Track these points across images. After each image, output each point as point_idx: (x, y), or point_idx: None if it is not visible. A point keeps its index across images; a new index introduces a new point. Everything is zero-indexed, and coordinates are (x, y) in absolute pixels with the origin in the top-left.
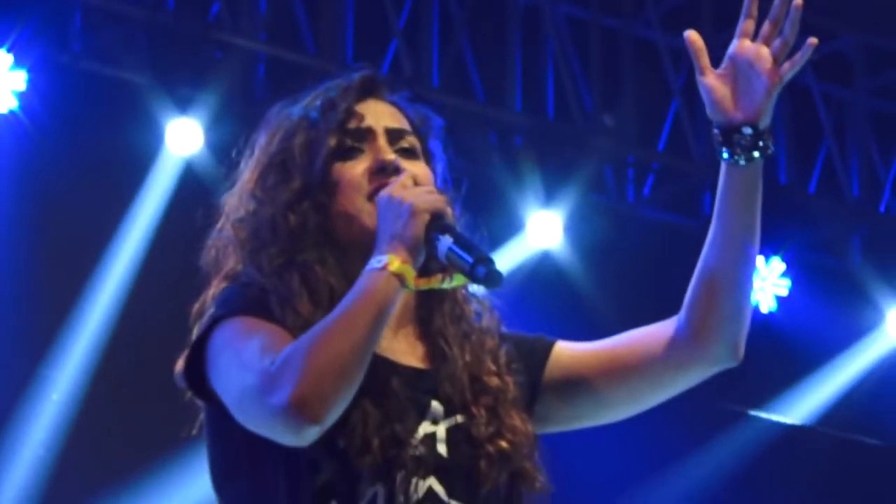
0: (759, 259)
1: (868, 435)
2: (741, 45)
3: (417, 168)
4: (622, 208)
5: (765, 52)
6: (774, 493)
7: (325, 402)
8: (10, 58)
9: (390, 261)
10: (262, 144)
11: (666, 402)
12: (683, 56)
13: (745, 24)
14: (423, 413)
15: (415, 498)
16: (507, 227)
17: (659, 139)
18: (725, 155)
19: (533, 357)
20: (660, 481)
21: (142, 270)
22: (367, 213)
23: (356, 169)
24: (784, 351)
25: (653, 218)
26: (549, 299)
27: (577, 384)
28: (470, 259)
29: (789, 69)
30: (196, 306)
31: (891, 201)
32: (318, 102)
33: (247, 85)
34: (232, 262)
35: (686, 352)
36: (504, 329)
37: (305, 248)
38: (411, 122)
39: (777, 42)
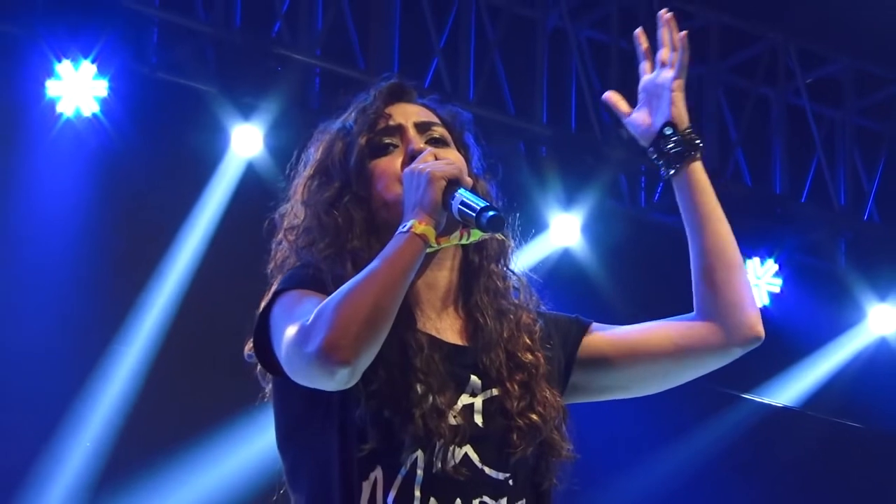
0: (755, 261)
1: (850, 419)
2: (646, 77)
3: (450, 154)
4: (634, 212)
5: (665, 71)
6: (765, 469)
7: (353, 346)
8: (94, 68)
9: (414, 225)
10: (307, 160)
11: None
12: (692, 76)
13: (644, 64)
14: (462, 386)
15: (451, 464)
16: (532, 227)
17: None
18: (663, 168)
19: (570, 335)
20: (659, 458)
21: (207, 256)
22: (394, 219)
23: (392, 162)
24: (776, 342)
25: (661, 221)
26: (568, 291)
27: (610, 362)
28: (476, 209)
29: (679, 67)
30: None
31: (874, 210)
32: (352, 114)
33: (303, 95)
34: (290, 264)
35: (705, 337)
36: (542, 307)
37: (352, 239)
38: (441, 118)
39: (671, 57)
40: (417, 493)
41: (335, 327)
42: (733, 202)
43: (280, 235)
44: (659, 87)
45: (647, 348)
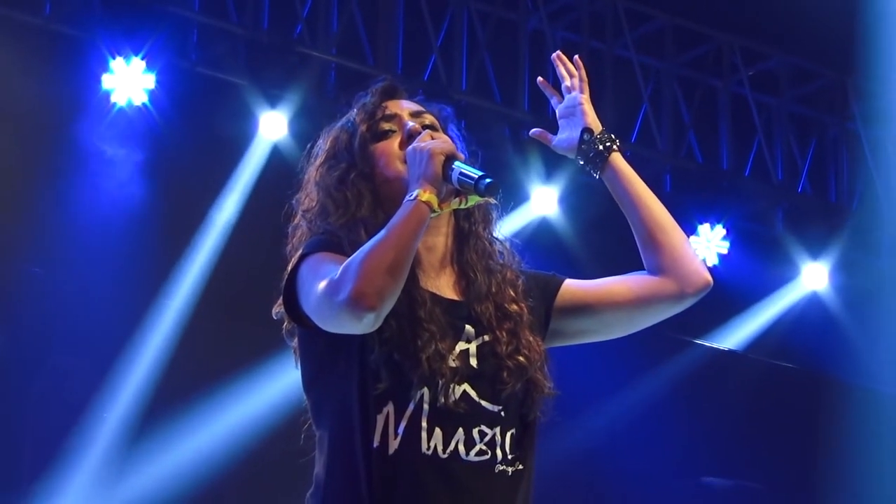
0: (706, 226)
1: (786, 360)
2: (559, 106)
3: (443, 137)
4: (603, 185)
5: (572, 94)
6: (712, 406)
7: (378, 294)
8: (143, 64)
9: (419, 194)
10: (317, 152)
11: None
12: (651, 70)
13: (554, 99)
14: (459, 334)
15: (452, 398)
16: (515, 199)
17: (632, 133)
18: (591, 170)
19: (548, 288)
20: (616, 399)
21: (239, 223)
22: (405, 173)
23: (391, 144)
24: (723, 296)
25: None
26: (547, 254)
27: (582, 309)
28: (474, 178)
29: (582, 84)
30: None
31: (806, 183)
32: (354, 111)
33: (321, 86)
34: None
35: (660, 288)
36: (524, 266)
37: (362, 210)
38: (430, 112)
39: (572, 82)
40: (424, 424)
41: (361, 278)
42: (687, 177)
43: (297, 220)
44: (571, 107)
45: (611, 297)
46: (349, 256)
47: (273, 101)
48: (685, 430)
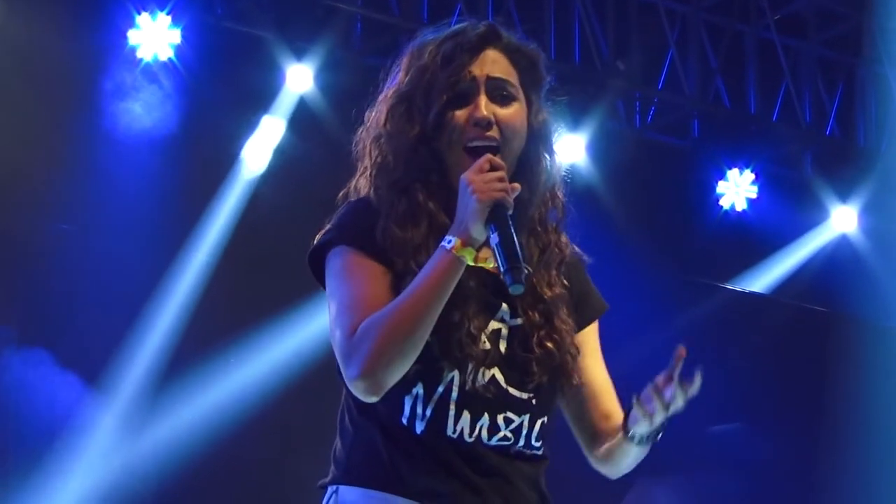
0: (734, 171)
1: (815, 303)
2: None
3: (512, 110)
4: (630, 132)
5: (664, 395)
6: (740, 349)
7: (385, 379)
8: (168, 19)
9: (456, 246)
10: (399, 76)
11: (655, 276)
12: (678, 16)
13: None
14: (493, 312)
15: (481, 383)
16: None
17: (659, 79)
18: (630, 436)
19: (585, 309)
20: (643, 344)
21: (265, 175)
22: (461, 168)
23: (461, 117)
24: (753, 240)
25: (653, 139)
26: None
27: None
28: (504, 265)
29: (667, 407)
30: (341, 194)
31: (834, 126)
32: (442, 50)
33: (347, 39)
34: (366, 162)
35: (583, 439)
36: (577, 253)
37: (419, 179)
38: (518, 67)
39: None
40: (452, 407)
41: (371, 364)
42: (715, 122)
43: (366, 129)
44: (652, 398)
45: (579, 398)
46: (379, 243)
47: (299, 54)
48: (713, 375)
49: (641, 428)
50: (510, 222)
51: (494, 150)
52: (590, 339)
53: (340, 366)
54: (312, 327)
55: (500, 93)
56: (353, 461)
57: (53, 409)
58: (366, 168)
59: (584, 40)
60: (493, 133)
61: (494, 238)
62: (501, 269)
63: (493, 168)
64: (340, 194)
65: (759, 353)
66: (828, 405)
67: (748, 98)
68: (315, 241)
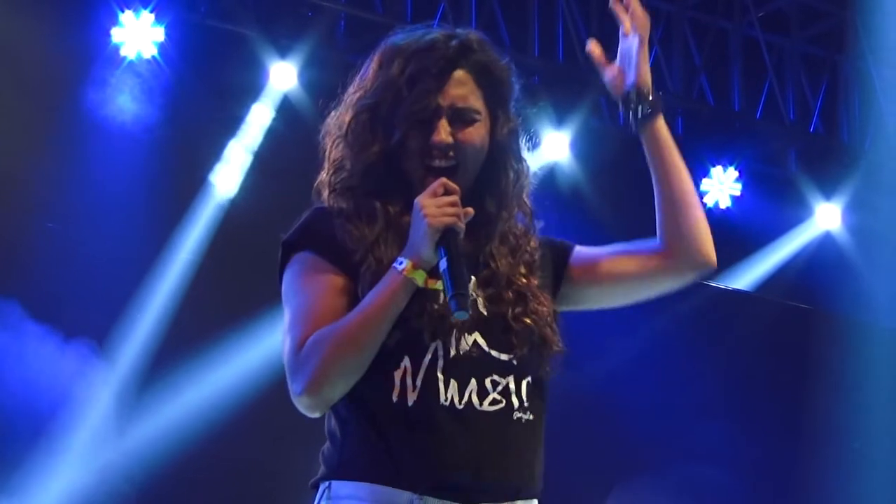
0: (718, 168)
1: (799, 301)
2: (622, 44)
3: (472, 130)
4: (614, 130)
5: (629, 39)
6: (723, 347)
7: (329, 396)
8: (152, 17)
9: (407, 267)
10: (367, 76)
11: None
12: (662, 13)
13: (605, 70)
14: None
15: (464, 349)
16: (526, 145)
17: None
18: (632, 126)
19: (557, 257)
20: (626, 341)
21: (248, 171)
22: (421, 185)
23: (421, 139)
24: (737, 237)
25: (636, 136)
26: (558, 198)
27: (589, 279)
28: (450, 291)
29: (639, 37)
30: (314, 187)
31: (818, 123)
32: (409, 70)
33: (331, 36)
34: (330, 160)
35: (665, 264)
36: (539, 234)
37: (376, 188)
38: (483, 88)
39: (627, 25)
40: (440, 375)
41: (315, 381)
42: (699, 119)
43: (329, 126)
44: (626, 54)
45: (618, 270)
46: (339, 242)
47: (283, 52)
48: (697, 372)
49: (627, 96)
50: (460, 247)
51: (452, 171)
52: (581, 255)
53: (287, 378)
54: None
55: (461, 117)
56: (345, 457)
57: (37, 407)
58: (327, 168)
59: (567, 38)
60: (452, 155)
61: (443, 263)
62: (448, 295)
63: (447, 192)
64: (314, 188)
65: (742, 350)
66: (811, 402)
67: (732, 95)
68: (279, 256)
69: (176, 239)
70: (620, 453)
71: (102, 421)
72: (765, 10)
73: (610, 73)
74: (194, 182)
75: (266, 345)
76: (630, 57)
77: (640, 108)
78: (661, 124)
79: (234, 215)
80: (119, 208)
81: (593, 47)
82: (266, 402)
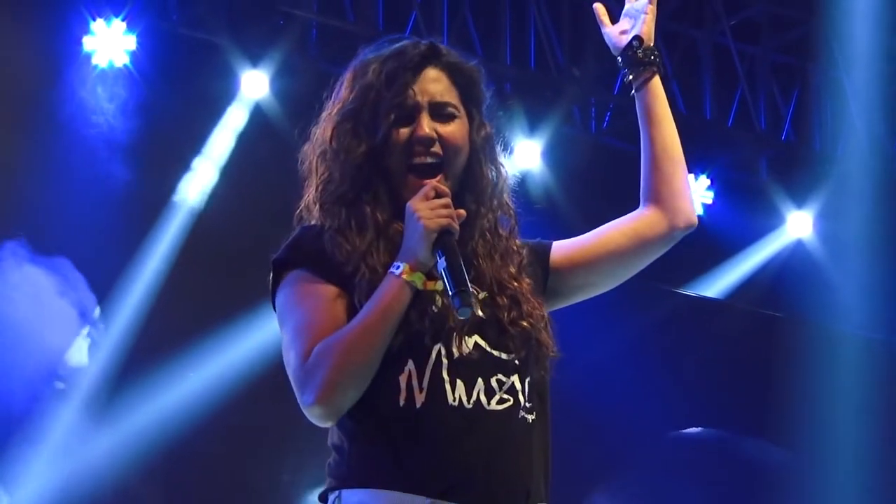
0: (690, 176)
1: (771, 309)
2: (627, 5)
3: (453, 126)
4: (586, 138)
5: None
6: (695, 355)
7: (340, 405)
8: (123, 25)
9: (405, 270)
10: (342, 93)
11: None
12: None
13: (604, 28)
14: None
15: (466, 350)
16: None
17: (614, 85)
18: (626, 72)
19: (539, 254)
20: (598, 349)
21: (220, 180)
22: (405, 187)
23: (404, 135)
24: (708, 245)
25: (609, 145)
26: (529, 206)
27: (577, 264)
28: (452, 289)
29: None
30: (295, 215)
31: (790, 131)
32: (385, 70)
33: (303, 45)
34: (314, 179)
35: (651, 224)
36: (533, 244)
37: (365, 192)
38: (458, 86)
39: None
40: (446, 377)
41: (325, 392)
42: None
43: (311, 145)
44: (635, 11)
45: (605, 244)
46: (329, 257)
47: (254, 61)
48: (668, 380)
49: (631, 47)
50: (457, 247)
51: (437, 168)
52: (562, 245)
53: (295, 391)
54: (271, 329)
55: (441, 111)
56: (354, 465)
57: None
58: (314, 186)
59: (539, 46)
60: (437, 150)
61: (442, 263)
62: (449, 293)
63: (439, 195)
64: (295, 215)
65: (713, 358)
66: (782, 410)
67: (704, 103)
68: (272, 270)
69: (146, 247)
70: (590, 461)
71: (70, 430)
72: (736, 18)
73: (612, 30)
74: (165, 190)
75: (233, 352)
76: (637, 12)
77: (640, 56)
78: (656, 80)
79: (205, 223)
80: (90, 216)
81: (598, 7)
82: (235, 407)
